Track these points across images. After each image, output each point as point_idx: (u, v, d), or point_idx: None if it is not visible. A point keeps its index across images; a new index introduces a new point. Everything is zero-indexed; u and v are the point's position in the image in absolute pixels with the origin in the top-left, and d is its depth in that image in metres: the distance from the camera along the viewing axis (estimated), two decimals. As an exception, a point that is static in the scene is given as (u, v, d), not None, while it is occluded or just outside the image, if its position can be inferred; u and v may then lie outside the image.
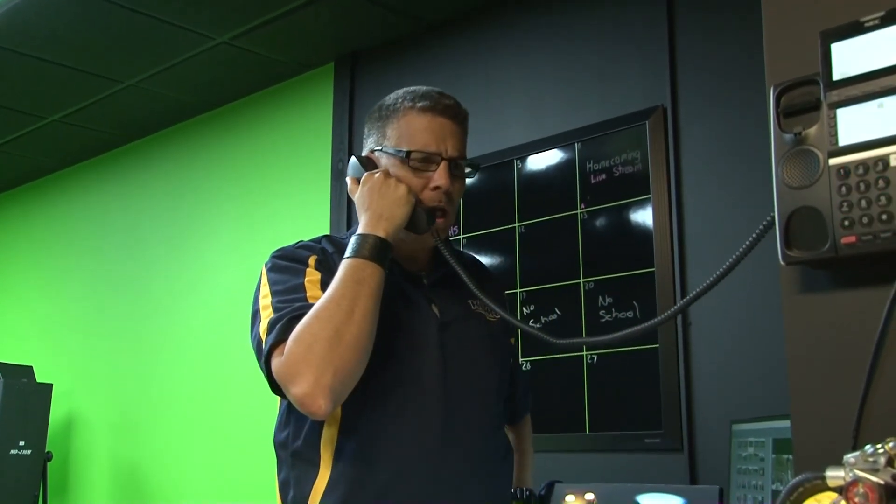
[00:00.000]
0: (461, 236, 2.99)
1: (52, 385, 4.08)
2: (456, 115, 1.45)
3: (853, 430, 0.80)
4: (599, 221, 2.66)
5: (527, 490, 1.71)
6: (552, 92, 2.85)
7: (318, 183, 3.47)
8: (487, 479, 1.44)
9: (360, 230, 1.35)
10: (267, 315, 1.33)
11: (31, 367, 4.20)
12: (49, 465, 3.99)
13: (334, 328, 1.25)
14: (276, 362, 1.27)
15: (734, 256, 0.97)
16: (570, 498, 2.14)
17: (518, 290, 2.80)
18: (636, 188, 2.58)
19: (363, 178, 1.41)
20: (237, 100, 3.86)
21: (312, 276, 1.37)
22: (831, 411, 0.83)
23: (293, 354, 1.24)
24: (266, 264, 1.43)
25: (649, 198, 2.54)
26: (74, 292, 4.54)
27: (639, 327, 1.13)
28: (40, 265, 4.83)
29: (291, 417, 1.41)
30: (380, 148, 1.44)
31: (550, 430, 2.64)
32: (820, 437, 0.84)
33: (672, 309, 1.11)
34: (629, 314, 2.53)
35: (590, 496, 2.13)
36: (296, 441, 1.40)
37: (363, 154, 1.48)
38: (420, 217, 1.40)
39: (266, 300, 1.36)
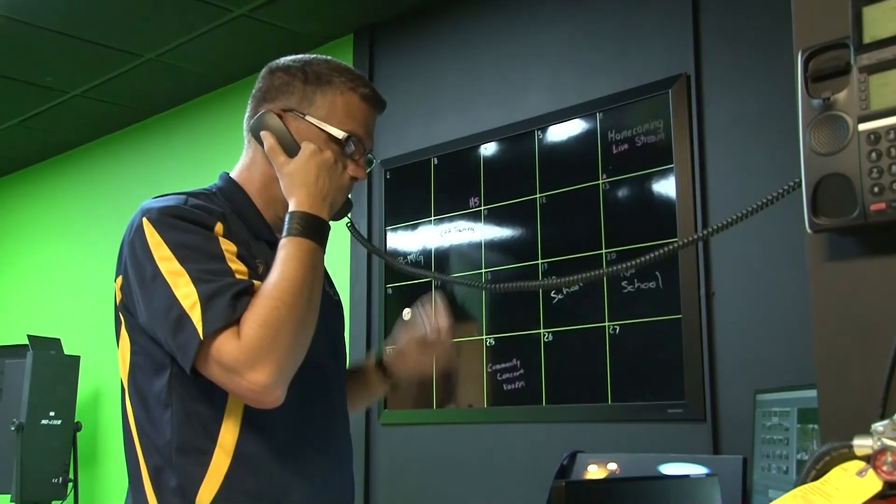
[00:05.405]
0: (482, 208, 2.98)
1: (79, 357, 4.15)
2: (382, 109, 1.42)
3: (881, 398, 0.79)
4: (621, 192, 2.64)
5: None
6: (573, 61, 2.82)
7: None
8: (340, 463, 1.40)
9: (304, 208, 1.28)
10: (185, 284, 1.19)
11: (58, 340, 4.26)
12: (79, 435, 4.07)
13: (300, 316, 1.20)
14: (231, 345, 1.16)
15: (758, 202, 0.97)
16: (592, 468, 2.15)
17: (539, 261, 2.79)
18: (659, 158, 2.55)
19: (310, 150, 1.32)
20: (257, 72, 3.83)
21: (227, 245, 1.25)
22: (858, 380, 0.82)
23: (261, 339, 1.16)
24: (149, 219, 1.24)
25: (672, 167, 2.51)
26: (100, 265, 4.58)
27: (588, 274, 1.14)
28: (65, 238, 4.88)
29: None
30: (302, 114, 1.35)
31: (573, 401, 2.65)
32: (847, 406, 0.83)
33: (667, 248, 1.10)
34: (651, 284, 2.52)
35: (612, 466, 2.14)
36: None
37: (271, 106, 1.39)
38: (346, 204, 1.39)
39: (171, 265, 1.21)
